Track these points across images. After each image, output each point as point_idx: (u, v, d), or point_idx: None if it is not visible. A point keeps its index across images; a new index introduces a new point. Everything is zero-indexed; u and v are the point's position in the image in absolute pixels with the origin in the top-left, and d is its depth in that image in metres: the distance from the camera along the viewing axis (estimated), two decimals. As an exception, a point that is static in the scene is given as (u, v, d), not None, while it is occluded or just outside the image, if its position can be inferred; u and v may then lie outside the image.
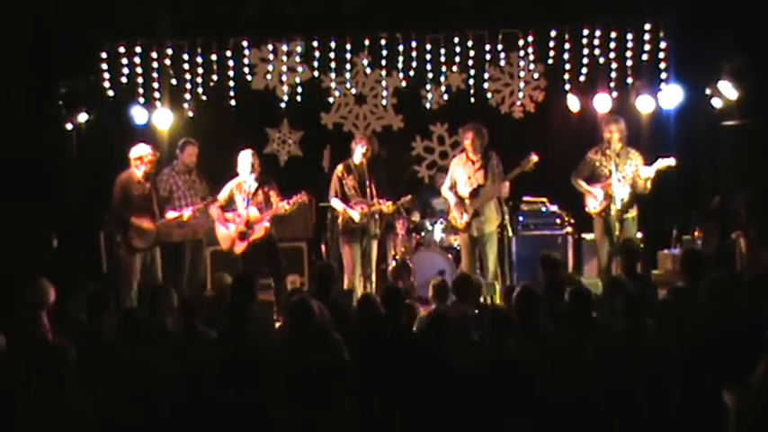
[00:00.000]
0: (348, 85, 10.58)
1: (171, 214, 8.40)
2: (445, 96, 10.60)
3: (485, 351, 5.26)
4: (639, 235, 8.90)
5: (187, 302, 6.10)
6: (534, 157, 8.42)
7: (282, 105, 10.62)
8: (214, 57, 10.16)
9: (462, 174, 8.72)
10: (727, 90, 9.16)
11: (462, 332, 5.65)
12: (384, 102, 10.75)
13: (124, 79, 10.10)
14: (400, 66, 10.35)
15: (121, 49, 10.05)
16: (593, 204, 8.66)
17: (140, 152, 8.35)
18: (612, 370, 5.05)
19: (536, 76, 10.51)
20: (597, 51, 10.08)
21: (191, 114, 10.27)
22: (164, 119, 9.70)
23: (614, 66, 10.10)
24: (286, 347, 5.38)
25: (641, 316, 5.29)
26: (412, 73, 10.41)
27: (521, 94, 10.57)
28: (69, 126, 9.28)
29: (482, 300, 7.66)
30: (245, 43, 10.26)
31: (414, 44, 10.23)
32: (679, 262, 7.15)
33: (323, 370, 4.43)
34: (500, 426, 4.73)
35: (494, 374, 4.83)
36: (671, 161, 8.39)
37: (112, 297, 6.44)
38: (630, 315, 5.28)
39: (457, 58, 10.28)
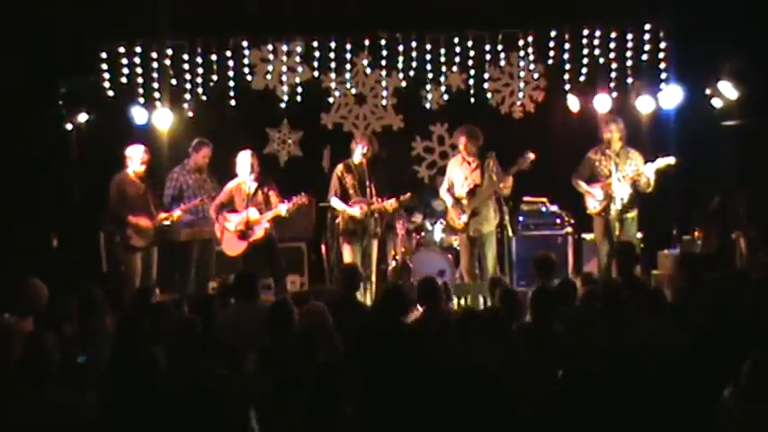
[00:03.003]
0: (348, 85, 10.56)
1: (162, 215, 8.44)
2: (445, 96, 10.56)
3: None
4: (639, 235, 8.91)
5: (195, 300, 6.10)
6: (531, 156, 8.43)
7: (282, 105, 10.59)
8: (214, 57, 10.16)
9: (459, 174, 8.74)
10: (727, 90, 9.16)
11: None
12: (384, 102, 10.71)
13: (124, 79, 10.10)
14: (400, 66, 10.33)
15: (121, 49, 10.05)
16: (593, 204, 8.67)
17: (132, 151, 8.46)
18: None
19: (536, 76, 10.48)
20: (597, 51, 10.08)
21: (190, 114, 10.26)
22: (164, 119, 9.70)
23: (614, 66, 10.09)
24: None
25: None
26: (412, 73, 10.39)
27: (521, 95, 10.54)
28: (69, 126, 9.27)
29: (481, 300, 7.65)
30: (244, 43, 10.25)
31: (414, 44, 10.22)
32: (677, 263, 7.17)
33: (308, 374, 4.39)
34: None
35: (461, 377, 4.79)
36: (670, 159, 8.40)
37: (106, 297, 6.39)
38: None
39: (457, 58, 10.27)
